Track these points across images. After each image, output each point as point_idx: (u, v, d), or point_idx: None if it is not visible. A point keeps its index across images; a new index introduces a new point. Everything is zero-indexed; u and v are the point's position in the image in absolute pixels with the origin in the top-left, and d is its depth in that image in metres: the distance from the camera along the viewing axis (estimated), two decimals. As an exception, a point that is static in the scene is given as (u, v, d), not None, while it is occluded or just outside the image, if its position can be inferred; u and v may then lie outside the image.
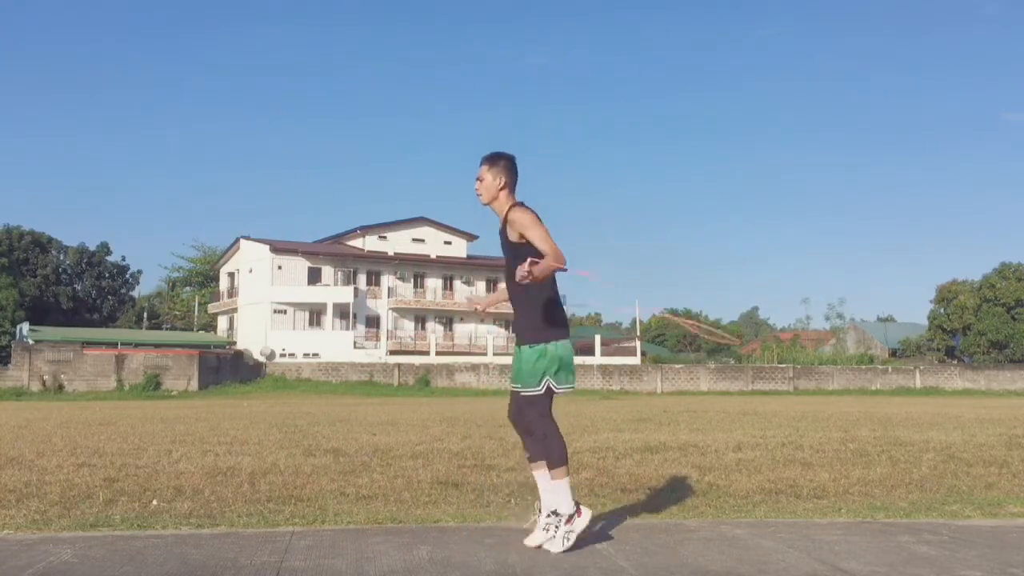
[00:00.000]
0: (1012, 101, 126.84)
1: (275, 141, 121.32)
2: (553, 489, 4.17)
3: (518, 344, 4.26)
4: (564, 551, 4.07)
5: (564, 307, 4.35)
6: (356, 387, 44.66)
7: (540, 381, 4.14)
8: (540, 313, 4.21)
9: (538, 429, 4.18)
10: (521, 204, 4.24)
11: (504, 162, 4.29)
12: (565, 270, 4.14)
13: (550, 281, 4.22)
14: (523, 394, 4.19)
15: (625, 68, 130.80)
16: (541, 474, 4.24)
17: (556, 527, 4.12)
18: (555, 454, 4.15)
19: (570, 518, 4.11)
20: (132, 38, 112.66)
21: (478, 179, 4.32)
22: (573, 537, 4.10)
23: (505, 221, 4.22)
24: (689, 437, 11.74)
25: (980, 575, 3.73)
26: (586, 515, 4.17)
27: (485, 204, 4.33)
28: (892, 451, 9.57)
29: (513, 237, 4.19)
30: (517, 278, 3.97)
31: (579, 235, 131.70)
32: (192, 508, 5.56)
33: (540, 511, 4.26)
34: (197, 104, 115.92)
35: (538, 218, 4.15)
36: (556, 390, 4.18)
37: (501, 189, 4.27)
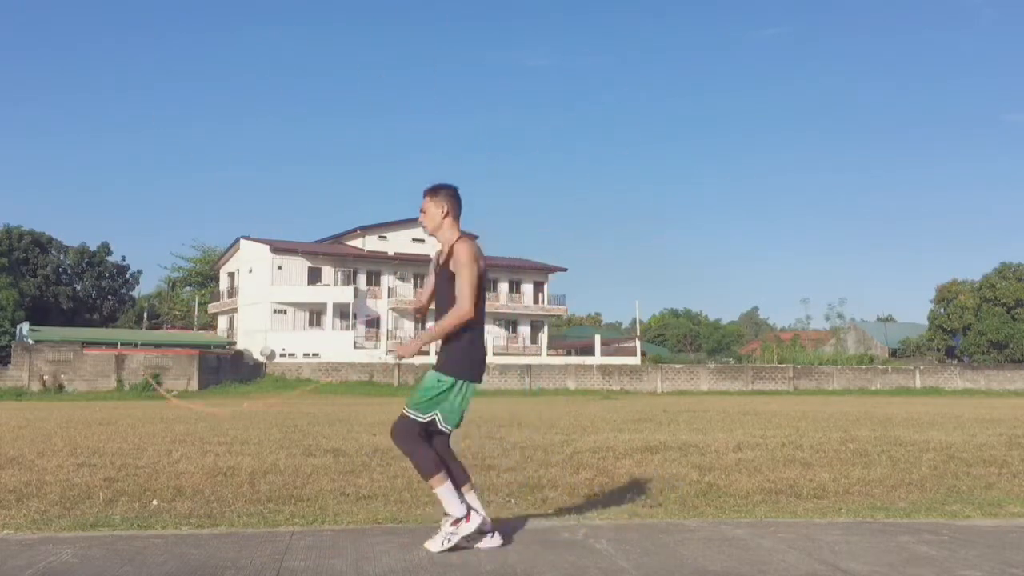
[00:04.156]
0: (1012, 101, 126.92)
1: (275, 141, 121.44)
2: (438, 495, 4.21)
3: (434, 367, 4.27)
4: (440, 551, 4.10)
5: (484, 351, 4.35)
6: (356, 387, 44.65)
7: (428, 414, 4.17)
8: (460, 345, 4.22)
9: (404, 448, 4.20)
10: (466, 237, 4.32)
11: (445, 192, 4.38)
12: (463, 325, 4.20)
13: (479, 315, 4.24)
14: (407, 414, 4.19)
15: (625, 69, 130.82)
16: (470, 496, 4.30)
17: (442, 526, 4.18)
18: (422, 469, 4.17)
19: (457, 521, 4.15)
20: (132, 38, 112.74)
21: (421, 211, 4.41)
22: (455, 539, 4.13)
23: (450, 251, 4.28)
24: (689, 437, 11.74)
25: (980, 575, 3.74)
26: (474, 520, 4.17)
27: (430, 234, 4.40)
28: (892, 451, 9.57)
29: (454, 268, 4.24)
30: (405, 355, 4.21)
31: (579, 235, 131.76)
32: (192, 508, 5.56)
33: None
34: (197, 104, 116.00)
35: (475, 260, 4.21)
36: (440, 427, 4.21)
37: (444, 217, 4.34)
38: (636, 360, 56.31)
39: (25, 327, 47.19)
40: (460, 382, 4.20)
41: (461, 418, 4.28)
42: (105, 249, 66.87)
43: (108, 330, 57.05)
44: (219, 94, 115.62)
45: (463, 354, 4.22)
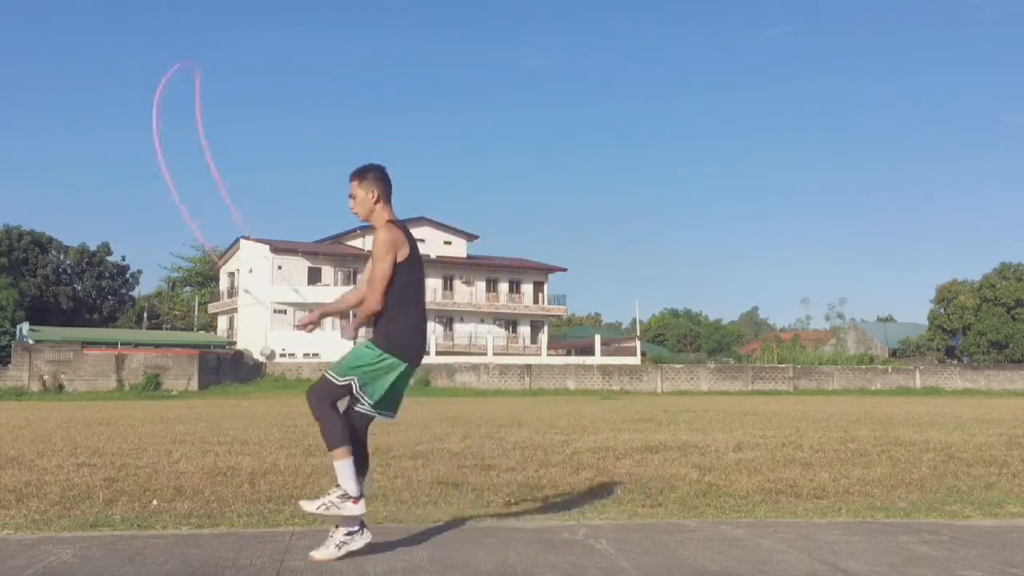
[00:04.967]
0: (1012, 101, 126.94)
1: (275, 141, 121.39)
2: (336, 468, 4.00)
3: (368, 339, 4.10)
4: (327, 559, 3.88)
5: (423, 334, 4.14)
6: (356, 387, 44.60)
7: (344, 377, 3.94)
8: (394, 324, 4.02)
9: (316, 411, 3.97)
10: (391, 224, 4.08)
11: (373, 174, 4.14)
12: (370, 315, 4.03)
13: (414, 297, 4.08)
14: (326, 376, 4.00)
15: (625, 69, 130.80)
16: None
17: (332, 535, 3.96)
18: (328, 436, 3.95)
19: (345, 496, 3.92)
20: (132, 38, 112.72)
21: (350, 196, 4.18)
22: (344, 551, 3.91)
23: None
24: (689, 437, 11.74)
25: (980, 575, 3.74)
26: (362, 504, 3.94)
27: (363, 221, 4.19)
28: (892, 451, 9.57)
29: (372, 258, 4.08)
30: (300, 326, 4.24)
31: (579, 235, 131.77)
32: (192, 508, 5.56)
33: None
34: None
35: (395, 248, 3.99)
36: (358, 397, 3.97)
37: (375, 203, 4.13)
38: (636, 360, 56.33)
39: (25, 327, 47.21)
40: (391, 358, 3.96)
41: (396, 403, 4.08)
42: (105, 249, 66.85)
43: (108, 330, 57.04)
44: (219, 94, 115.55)
45: (396, 332, 4.00)
